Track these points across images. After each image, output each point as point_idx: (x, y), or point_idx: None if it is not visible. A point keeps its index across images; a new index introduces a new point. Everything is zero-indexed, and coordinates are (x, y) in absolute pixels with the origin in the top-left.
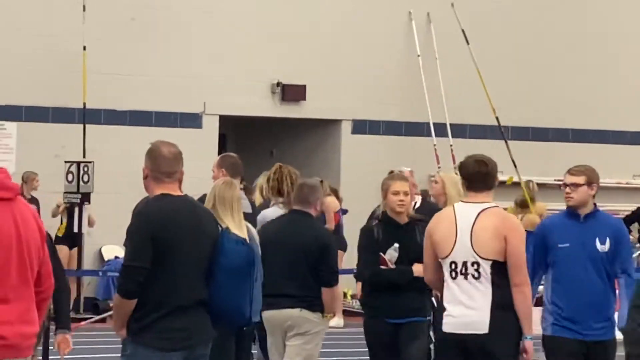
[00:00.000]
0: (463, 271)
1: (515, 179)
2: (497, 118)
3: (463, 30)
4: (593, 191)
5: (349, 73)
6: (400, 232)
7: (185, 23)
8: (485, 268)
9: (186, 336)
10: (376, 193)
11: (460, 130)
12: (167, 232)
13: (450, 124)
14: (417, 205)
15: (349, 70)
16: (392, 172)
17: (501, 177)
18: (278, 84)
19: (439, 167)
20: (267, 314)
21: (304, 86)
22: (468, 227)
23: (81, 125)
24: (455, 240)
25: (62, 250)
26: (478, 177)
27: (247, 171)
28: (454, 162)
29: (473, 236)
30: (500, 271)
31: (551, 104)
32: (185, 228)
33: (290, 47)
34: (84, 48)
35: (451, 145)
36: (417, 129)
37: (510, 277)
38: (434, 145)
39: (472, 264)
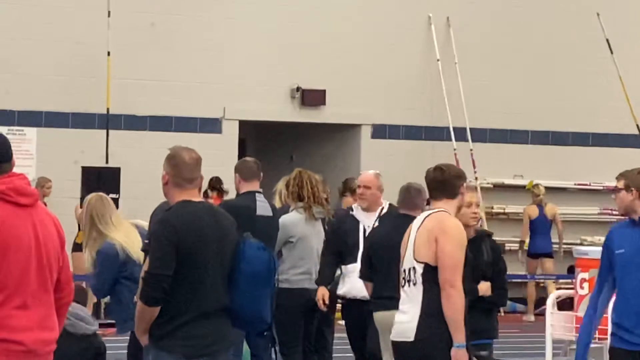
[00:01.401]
0: (408, 278)
1: (525, 182)
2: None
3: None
4: (632, 196)
5: (369, 78)
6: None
7: (207, 29)
8: (419, 272)
9: (209, 343)
10: (396, 197)
11: (481, 135)
12: (191, 239)
13: (470, 128)
14: (384, 211)
15: (369, 74)
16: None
17: (521, 182)
18: (298, 88)
19: None
20: (379, 315)
21: (324, 91)
22: (414, 234)
23: (100, 131)
24: (406, 248)
25: (81, 257)
26: (435, 184)
27: (266, 176)
28: (474, 167)
29: (415, 242)
30: (431, 276)
31: (571, 108)
32: (209, 235)
33: (309, 52)
34: (108, 54)
35: (471, 150)
36: (437, 134)
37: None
38: (454, 149)
39: (412, 270)
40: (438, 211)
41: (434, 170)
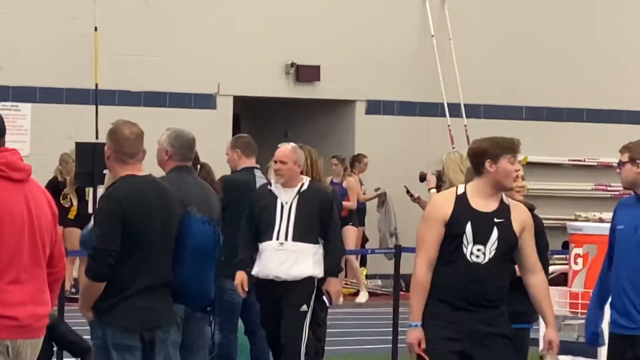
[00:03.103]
0: None
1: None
2: None
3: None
4: (638, 168)
5: (363, 54)
6: None
7: (201, 4)
8: None
9: (153, 316)
10: (390, 173)
11: (475, 111)
12: (136, 213)
13: (465, 104)
14: (304, 187)
15: (363, 50)
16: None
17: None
18: (292, 64)
19: (453, 148)
20: None
21: (318, 67)
22: None
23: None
24: None
25: (74, 232)
26: (469, 161)
27: (261, 152)
28: (469, 143)
29: None
30: None
31: (566, 84)
32: (153, 209)
33: (304, 28)
34: (95, 29)
35: (465, 126)
36: (431, 110)
37: None
38: (449, 125)
39: None
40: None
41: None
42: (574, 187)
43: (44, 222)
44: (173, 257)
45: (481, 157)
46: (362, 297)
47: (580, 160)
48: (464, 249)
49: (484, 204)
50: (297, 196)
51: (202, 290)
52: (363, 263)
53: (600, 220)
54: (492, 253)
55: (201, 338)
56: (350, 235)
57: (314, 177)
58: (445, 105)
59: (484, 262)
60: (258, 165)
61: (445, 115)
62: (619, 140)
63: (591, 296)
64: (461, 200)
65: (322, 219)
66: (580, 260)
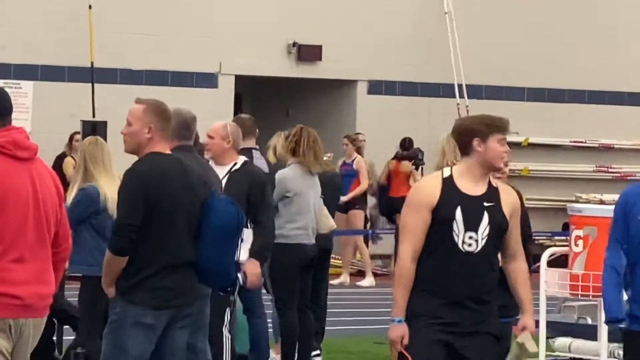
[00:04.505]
0: None
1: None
2: None
3: None
4: None
5: (365, 33)
6: None
7: None
8: None
9: (175, 295)
10: (391, 154)
11: (476, 91)
12: (159, 190)
13: (466, 85)
14: (237, 167)
15: (365, 30)
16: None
17: (517, 139)
18: (294, 44)
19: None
20: None
21: (320, 46)
22: None
23: (96, 85)
24: None
25: None
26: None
27: (262, 131)
28: None
29: None
30: None
31: (568, 66)
32: (177, 187)
33: (306, 7)
34: (90, 7)
35: (467, 106)
36: (432, 90)
37: None
38: (457, 104)
39: None
40: (438, 170)
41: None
42: (575, 168)
43: (49, 201)
44: (196, 236)
45: (469, 135)
46: (367, 282)
47: (582, 142)
48: (455, 237)
49: (472, 187)
50: (228, 175)
51: (223, 271)
52: (365, 244)
53: (601, 202)
54: (484, 240)
55: (202, 317)
56: (358, 219)
57: (314, 159)
58: (447, 85)
59: (476, 251)
60: (257, 147)
61: (446, 96)
62: (620, 122)
63: (604, 282)
64: (448, 184)
65: (250, 201)
66: (580, 242)
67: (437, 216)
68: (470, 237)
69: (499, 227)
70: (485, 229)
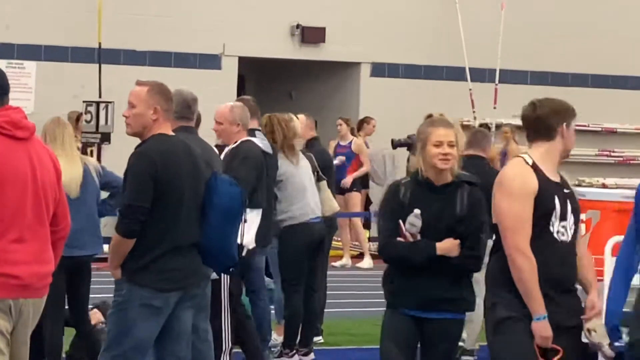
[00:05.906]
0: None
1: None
2: None
3: None
4: None
5: (369, 16)
6: (434, 196)
7: None
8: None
9: (182, 276)
10: (394, 137)
11: (480, 75)
12: (167, 171)
13: (470, 68)
14: (234, 146)
15: (369, 13)
16: (430, 115)
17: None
18: (297, 26)
19: (473, 112)
20: None
21: (324, 28)
22: None
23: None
24: None
25: None
26: (527, 123)
27: (265, 113)
28: (473, 107)
29: None
30: (499, 238)
31: (571, 49)
32: (184, 168)
33: None
34: None
35: (470, 90)
36: (436, 73)
37: None
38: (470, 89)
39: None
40: (516, 157)
41: (527, 107)
42: (578, 152)
43: (47, 180)
44: (199, 217)
45: (557, 119)
46: (366, 262)
47: (585, 126)
48: (551, 227)
49: (553, 174)
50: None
51: (226, 251)
52: (367, 226)
53: (604, 186)
54: (572, 229)
55: (204, 299)
56: (355, 201)
57: (286, 144)
58: (454, 68)
59: (569, 241)
60: (259, 128)
61: (450, 79)
62: (623, 106)
63: (612, 281)
64: (539, 172)
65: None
66: (582, 226)
67: (539, 206)
68: (563, 227)
69: (578, 214)
70: (571, 217)
